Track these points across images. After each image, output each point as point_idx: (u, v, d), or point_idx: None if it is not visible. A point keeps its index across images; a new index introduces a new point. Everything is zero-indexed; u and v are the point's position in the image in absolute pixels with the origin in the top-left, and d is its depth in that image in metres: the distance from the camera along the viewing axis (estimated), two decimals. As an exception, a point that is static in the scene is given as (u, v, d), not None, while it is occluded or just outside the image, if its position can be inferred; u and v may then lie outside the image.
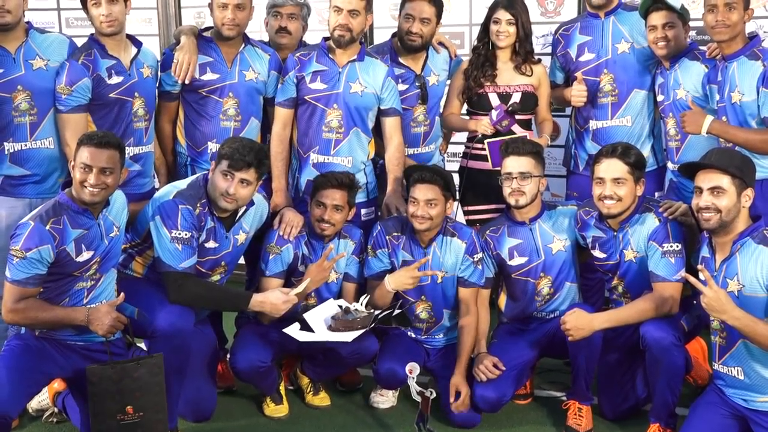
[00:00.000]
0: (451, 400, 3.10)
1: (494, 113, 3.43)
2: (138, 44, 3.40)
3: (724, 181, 2.61)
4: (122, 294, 2.88)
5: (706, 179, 2.65)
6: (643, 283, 3.05)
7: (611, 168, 3.01)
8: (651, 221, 3.03)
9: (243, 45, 3.49)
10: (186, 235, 2.95)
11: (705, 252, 2.80)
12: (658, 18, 3.23)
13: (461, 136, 3.91)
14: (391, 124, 3.48)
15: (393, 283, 3.22)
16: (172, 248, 2.95)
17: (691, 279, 2.65)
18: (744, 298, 2.58)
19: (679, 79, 3.25)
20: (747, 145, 2.94)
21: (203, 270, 3.06)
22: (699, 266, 2.71)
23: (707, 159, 2.73)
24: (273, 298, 3.03)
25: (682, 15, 3.28)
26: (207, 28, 3.54)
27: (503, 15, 3.44)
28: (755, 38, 3.10)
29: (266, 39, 3.77)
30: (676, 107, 3.27)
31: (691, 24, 3.41)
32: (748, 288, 2.59)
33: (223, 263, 3.13)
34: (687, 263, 2.94)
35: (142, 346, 3.06)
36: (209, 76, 3.43)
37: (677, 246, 2.94)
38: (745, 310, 2.53)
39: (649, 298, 2.94)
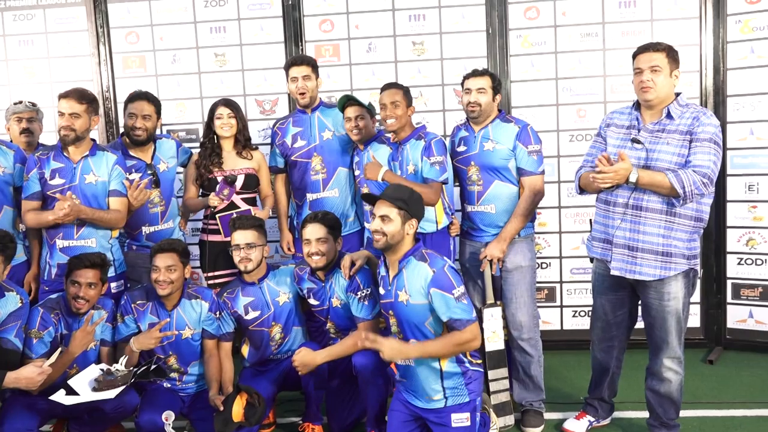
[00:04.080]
0: (221, 407, 3.35)
1: (218, 188, 3.90)
2: None
3: (393, 212, 3.04)
4: None
5: (379, 209, 3.07)
6: (348, 323, 3.53)
7: (315, 230, 3.48)
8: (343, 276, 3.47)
9: None
10: None
11: (382, 271, 3.22)
12: (351, 111, 3.82)
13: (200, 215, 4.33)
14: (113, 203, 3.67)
15: (137, 343, 3.50)
16: None
17: (367, 343, 3.07)
18: (411, 306, 3.03)
19: (371, 157, 3.79)
20: (417, 188, 3.37)
21: None
22: (365, 341, 3.07)
23: (383, 193, 3.15)
24: (27, 373, 3.08)
25: (369, 109, 3.91)
26: None
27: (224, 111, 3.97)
28: (420, 127, 3.88)
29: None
30: (369, 182, 3.73)
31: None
32: (414, 297, 3.02)
33: None
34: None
35: None
36: None
37: (368, 291, 3.40)
38: (413, 315, 3.02)
39: (356, 334, 3.34)
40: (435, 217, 3.77)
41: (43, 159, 3.64)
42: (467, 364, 3.12)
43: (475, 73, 3.70)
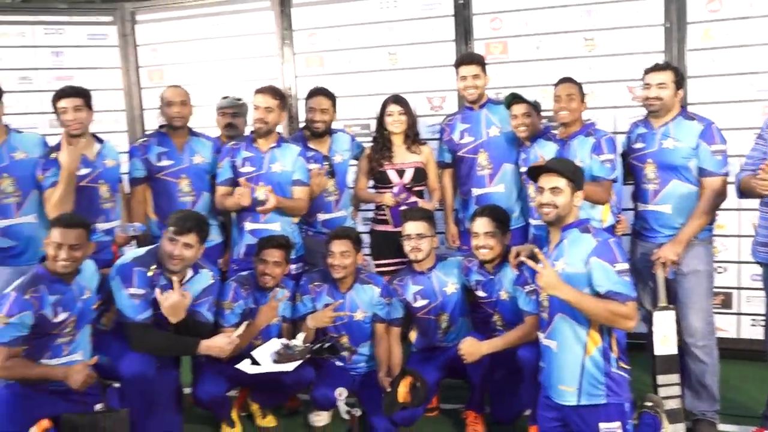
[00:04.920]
0: (388, 388, 3.50)
1: (395, 189, 4.06)
2: (100, 141, 3.90)
3: (562, 182, 2.92)
4: (95, 357, 3.21)
5: (547, 181, 2.96)
6: (515, 316, 3.52)
7: (483, 224, 3.56)
8: (511, 269, 3.52)
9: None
10: (140, 291, 3.31)
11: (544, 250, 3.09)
12: (518, 109, 3.82)
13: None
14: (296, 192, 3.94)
15: (312, 321, 3.74)
16: (129, 303, 3.30)
17: (529, 262, 2.93)
18: (567, 275, 2.85)
19: (537, 154, 3.75)
20: (588, 187, 3.23)
21: (161, 321, 3.36)
22: (535, 249, 2.99)
23: (549, 163, 3.07)
24: (218, 342, 3.36)
25: (535, 107, 3.90)
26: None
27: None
28: (589, 123, 3.80)
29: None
30: None
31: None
32: (571, 265, 2.86)
33: None
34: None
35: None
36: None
37: (534, 286, 3.24)
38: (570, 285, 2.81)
39: (522, 327, 3.39)
40: (600, 216, 3.70)
41: (235, 149, 3.97)
42: (612, 364, 2.90)
43: (656, 68, 3.59)
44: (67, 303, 3.18)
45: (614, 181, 3.65)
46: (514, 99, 3.85)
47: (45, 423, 3.24)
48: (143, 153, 4.03)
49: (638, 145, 3.68)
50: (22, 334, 3.06)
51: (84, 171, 3.73)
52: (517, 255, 3.47)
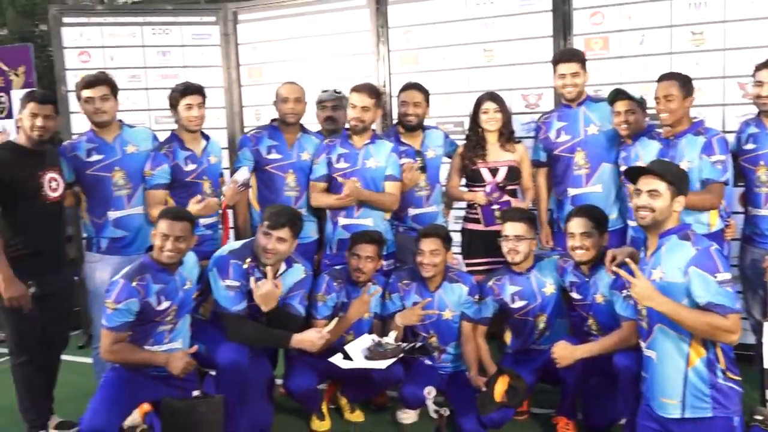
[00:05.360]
0: (483, 388, 3.49)
1: (488, 188, 4.01)
2: (207, 137, 4.00)
3: (662, 186, 2.80)
4: (195, 346, 3.35)
5: (646, 183, 2.84)
6: (611, 321, 3.39)
7: (580, 224, 3.45)
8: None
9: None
10: (235, 283, 3.39)
11: (641, 255, 3.01)
12: (621, 105, 3.71)
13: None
14: (388, 186, 3.96)
15: (401, 319, 3.75)
16: (225, 294, 3.39)
17: (621, 272, 2.85)
18: (664, 285, 2.73)
19: (639, 154, 3.67)
20: (695, 196, 3.23)
21: (254, 313, 3.45)
22: (627, 259, 2.92)
23: (650, 165, 2.94)
24: (309, 336, 3.39)
25: (641, 103, 3.77)
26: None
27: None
28: (698, 122, 3.61)
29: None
30: None
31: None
32: (669, 275, 2.74)
33: None
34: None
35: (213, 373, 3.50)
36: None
37: None
38: (665, 295, 2.68)
39: (619, 333, 3.26)
40: (708, 220, 3.53)
41: (331, 145, 4.03)
42: (719, 375, 2.76)
43: None
44: (170, 292, 3.30)
45: (725, 183, 3.47)
46: (618, 95, 3.73)
47: (146, 406, 3.45)
48: (254, 144, 4.10)
49: (749, 146, 3.52)
50: (128, 320, 3.19)
51: (190, 167, 3.85)
52: (614, 259, 3.35)
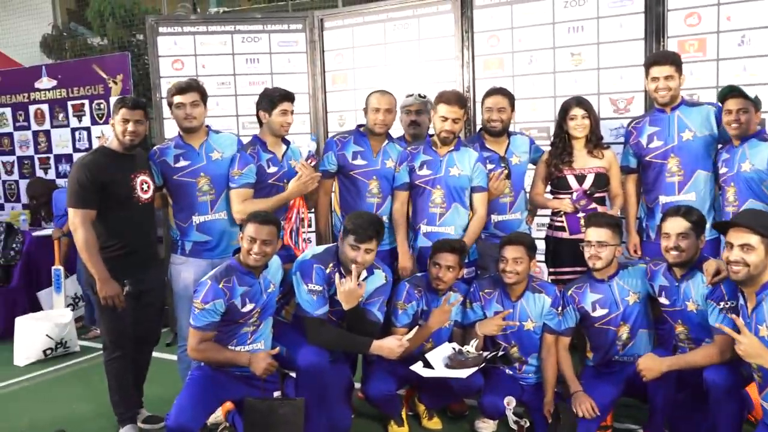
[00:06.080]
0: (549, 420, 3.46)
1: (575, 195, 3.92)
2: (287, 143, 4.05)
3: (755, 239, 2.73)
4: (277, 347, 3.41)
5: (736, 236, 2.77)
6: (703, 332, 3.26)
7: (676, 224, 3.28)
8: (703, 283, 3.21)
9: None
10: (318, 288, 3.42)
11: (741, 301, 2.92)
12: (733, 104, 3.55)
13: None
14: (477, 199, 3.96)
15: (481, 328, 3.69)
16: (308, 298, 3.41)
17: (726, 329, 2.80)
18: None
19: (746, 154, 3.55)
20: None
21: (334, 318, 3.50)
22: (732, 315, 2.85)
23: (739, 218, 2.85)
24: (389, 343, 3.40)
25: (755, 103, 3.58)
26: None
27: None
28: None
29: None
30: (739, 178, 3.56)
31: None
32: None
33: None
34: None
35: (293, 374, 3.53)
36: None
37: (732, 303, 3.05)
38: None
39: (711, 346, 3.12)
40: None
41: (414, 153, 4.01)
42: None
43: None
44: (254, 295, 3.37)
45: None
46: (730, 92, 3.57)
47: (228, 405, 3.57)
48: (340, 148, 4.10)
49: None
50: (214, 320, 3.28)
51: (272, 169, 3.92)
52: (717, 273, 3.17)
